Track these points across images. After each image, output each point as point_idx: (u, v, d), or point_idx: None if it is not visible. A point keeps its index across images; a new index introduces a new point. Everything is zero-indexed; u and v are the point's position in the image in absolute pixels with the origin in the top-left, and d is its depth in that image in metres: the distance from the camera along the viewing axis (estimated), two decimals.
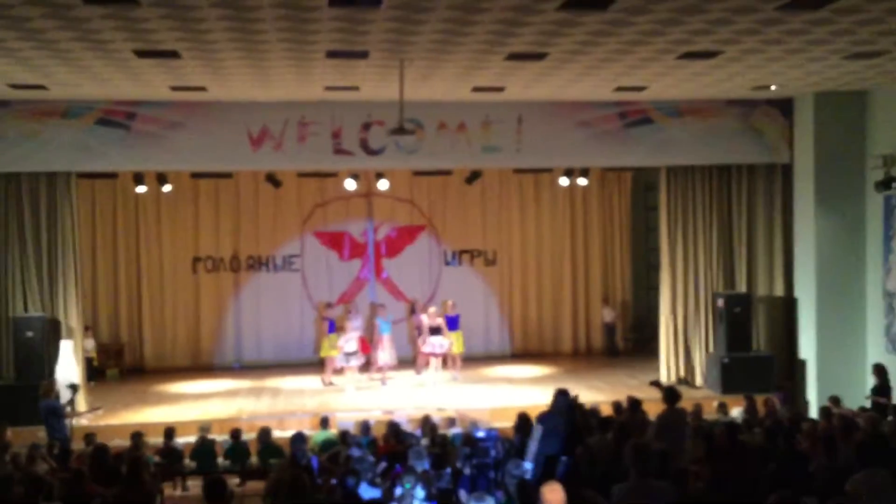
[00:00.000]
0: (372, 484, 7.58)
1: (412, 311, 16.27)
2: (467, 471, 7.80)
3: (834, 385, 12.67)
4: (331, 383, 15.16)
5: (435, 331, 14.96)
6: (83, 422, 12.64)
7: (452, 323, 15.46)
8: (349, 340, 14.51)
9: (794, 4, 8.43)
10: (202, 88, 12.12)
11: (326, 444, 10.18)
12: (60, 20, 8.51)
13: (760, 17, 8.88)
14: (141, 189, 15.31)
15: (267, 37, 9.30)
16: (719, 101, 14.02)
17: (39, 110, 12.90)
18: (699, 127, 14.14)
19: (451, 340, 15.20)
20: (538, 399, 13.59)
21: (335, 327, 15.33)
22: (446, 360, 15.32)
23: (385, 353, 14.87)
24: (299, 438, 9.28)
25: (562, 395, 9.27)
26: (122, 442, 10.65)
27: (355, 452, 8.59)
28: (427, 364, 15.25)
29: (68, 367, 12.92)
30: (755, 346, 14.47)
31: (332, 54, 10.18)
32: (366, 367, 15.19)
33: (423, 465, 7.61)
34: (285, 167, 15.03)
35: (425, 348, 15.06)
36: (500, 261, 18.31)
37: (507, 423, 10.61)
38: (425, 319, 15.27)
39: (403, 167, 15.76)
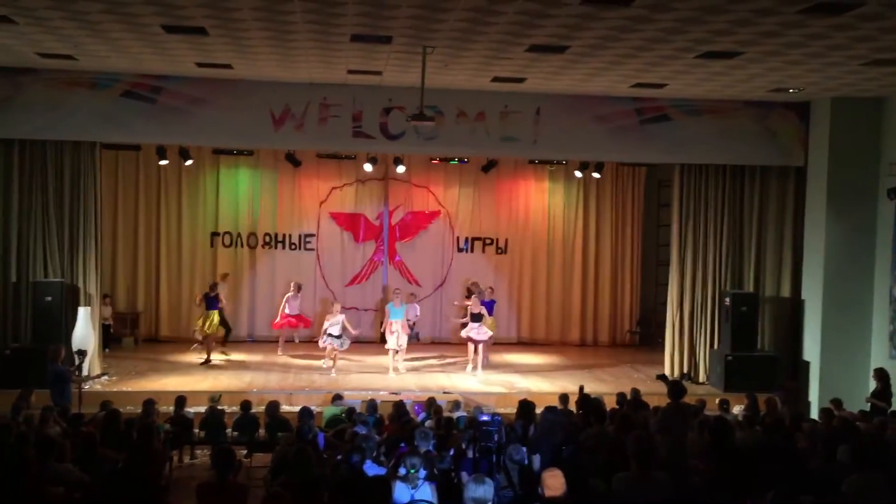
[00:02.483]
0: (376, 462, 7.76)
1: (468, 295, 16.25)
2: (470, 453, 7.97)
3: (836, 387, 12.75)
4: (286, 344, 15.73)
5: (476, 317, 14.91)
6: (97, 387, 12.91)
7: (487, 307, 15.35)
8: (334, 325, 14.63)
9: (816, 8, 8.51)
10: (228, 66, 12.29)
11: (333, 421, 10.38)
12: None
13: (782, 19, 8.96)
14: (163, 162, 15.54)
15: (294, 18, 9.45)
16: (736, 101, 14.08)
17: (67, 80, 13.10)
18: (715, 126, 14.19)
19: (489, 330, 15.05)
20: (542, 387, 13.83)
21: (218, 305, 15.33)
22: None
23: (393, 339, 14.76)
24: (306, 413, 9.45)
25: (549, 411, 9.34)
26: (135, 408, 10.86)
27: (361, 430, 8.77)
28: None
29: (85, 334, 13.13)
30: (760, 345, 14.58)
31: (356, 38, 10.32)
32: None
33: (427, 446, 7.77)
34: (306, 147, 15.25)
35: (464, 333, 15.04)
36: (511, 250, 18.46)
37: (510, 409, 10.80)
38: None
39: (422, 153, 15.91)
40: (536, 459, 7.68)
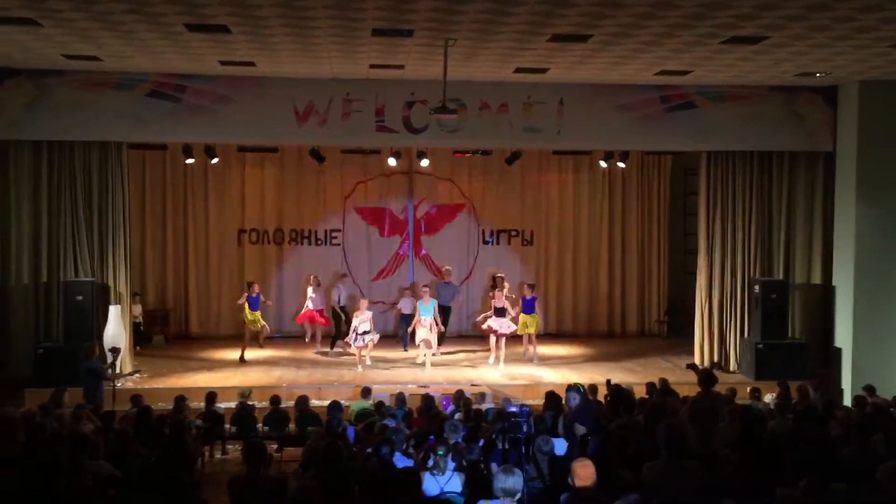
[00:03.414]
0: (405, 454, 7.78)
1: (493, 286, 16.24)
2: (500, 444, 7.97)
3: (868, 374, 12.62)
4: (325, 353, 15.68)
5: (500, 312, 14.85)
6: (129, 384, 13.06)
7: (528, 306, 15.28)
8: (363, 321, 14.63)
9: None
10: (251, 63, 12.34)
11: (363, 414, 10.43)
12: None
13: (808, 2, 8.84)
14: (189, 161, 15.67)
15: (315, 13, 9.47)
16: (762, 87, 13.92)
17: (92, 81, 13.23)
18: (741, 113, 14.06)
19: (513, 324, 14.96)
20: (570, 378, 13.77)
21: (258, 304, 15.43)
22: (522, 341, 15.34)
23: (421, 336, 14.72)
24: (336, 407, 9.51)
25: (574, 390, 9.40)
26: (166, 405, 10.98)
27: (390, 423, 8.80)
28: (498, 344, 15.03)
29: (116, 332, 13.27)
30: (790, 332, 14.46)
31: (377, 32, 10.32)
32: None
33: (457, 439, 7.77)
34: (329, 143, 15.25)
35: (486, 325, 14.97)
36: (536, 241, 18.41)
37: (538, 400, 10.77)
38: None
39: (445, 146, 15.89)
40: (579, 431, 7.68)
